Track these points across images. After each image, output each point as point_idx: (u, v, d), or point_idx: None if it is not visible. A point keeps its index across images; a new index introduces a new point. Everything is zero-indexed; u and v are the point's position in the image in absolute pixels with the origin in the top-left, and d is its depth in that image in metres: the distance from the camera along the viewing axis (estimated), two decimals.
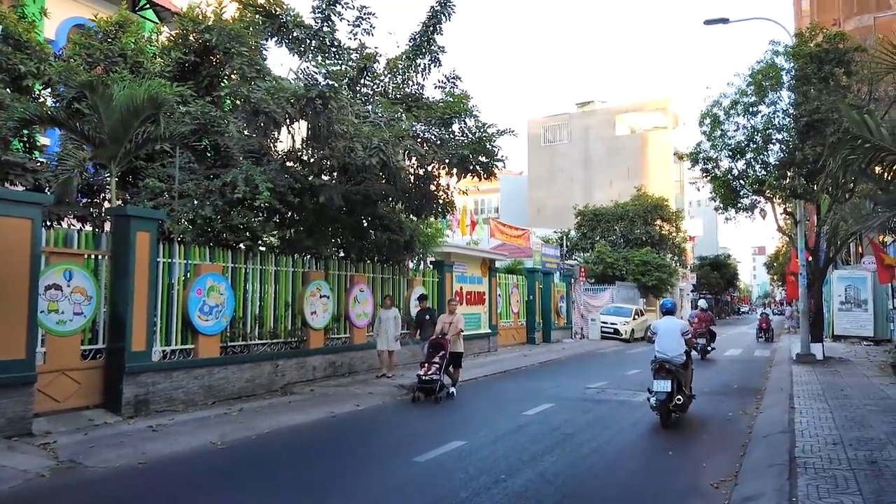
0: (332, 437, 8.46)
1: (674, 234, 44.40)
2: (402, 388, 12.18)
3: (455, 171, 13.18)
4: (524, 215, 53.64)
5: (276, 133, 12.51)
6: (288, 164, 12.64)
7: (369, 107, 13.37)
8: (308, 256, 13.56)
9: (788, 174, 16.19)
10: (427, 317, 13.43)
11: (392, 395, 11.71)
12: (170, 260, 10.38)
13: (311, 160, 12.67)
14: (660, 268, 38.78)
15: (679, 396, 8.72)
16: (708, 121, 18.35)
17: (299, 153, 12.67)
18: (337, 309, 14.21)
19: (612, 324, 28.94)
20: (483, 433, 8.49)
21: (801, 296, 17.29)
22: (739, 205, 19.29)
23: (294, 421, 9.26)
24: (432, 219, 15.95)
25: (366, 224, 15.05)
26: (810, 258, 18.14)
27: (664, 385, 8.62)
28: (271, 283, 12.59)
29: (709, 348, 19.07)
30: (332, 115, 11.08)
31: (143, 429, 8.28)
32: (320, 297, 13.49)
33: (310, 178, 12.45)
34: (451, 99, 14.10)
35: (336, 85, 10.72)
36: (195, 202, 10.70)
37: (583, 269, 32.51)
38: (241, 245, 12.25)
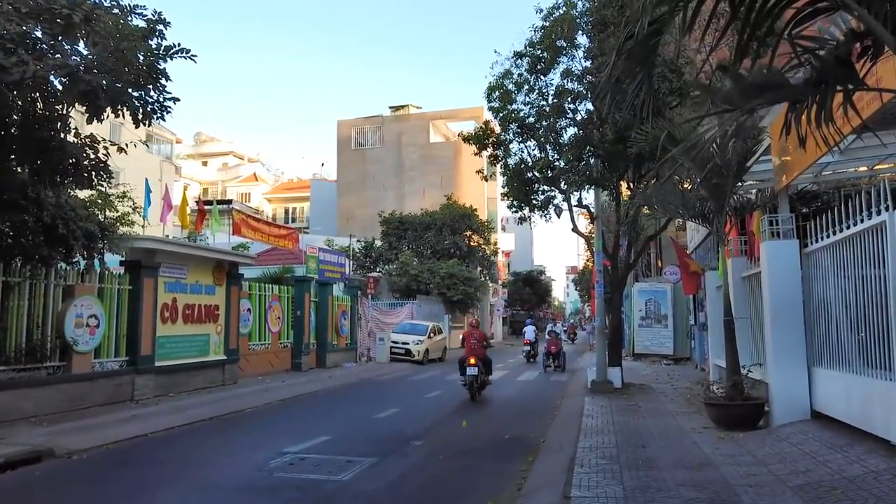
0: None
1: (483, 247, 41.96)
2: None
3: (77, 101, 8.04)
4: (335, 224, 48.99)
5: None
6: None
7: None
8: None
9: (583, 156, 12.97)
10: None
11: None
12: None
13: None
14: (466, 281, 35.82)
15: (534, 352, 23.07)
16: (497, 94, 14.85)
17: None
18: None
19: (403, 344, 24.85)
20: None
21: (597, 309, 14.21)
22: (534, 201, 16.02)
23: None
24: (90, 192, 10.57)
25: None
26: (609, 265, 15.22)
27: (527, 348, 23.88)
28: None
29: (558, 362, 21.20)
30: None
31: None
32: None
33: None
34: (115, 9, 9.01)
35: None
36: None
37: (371, 281, 28.18)
38: None
